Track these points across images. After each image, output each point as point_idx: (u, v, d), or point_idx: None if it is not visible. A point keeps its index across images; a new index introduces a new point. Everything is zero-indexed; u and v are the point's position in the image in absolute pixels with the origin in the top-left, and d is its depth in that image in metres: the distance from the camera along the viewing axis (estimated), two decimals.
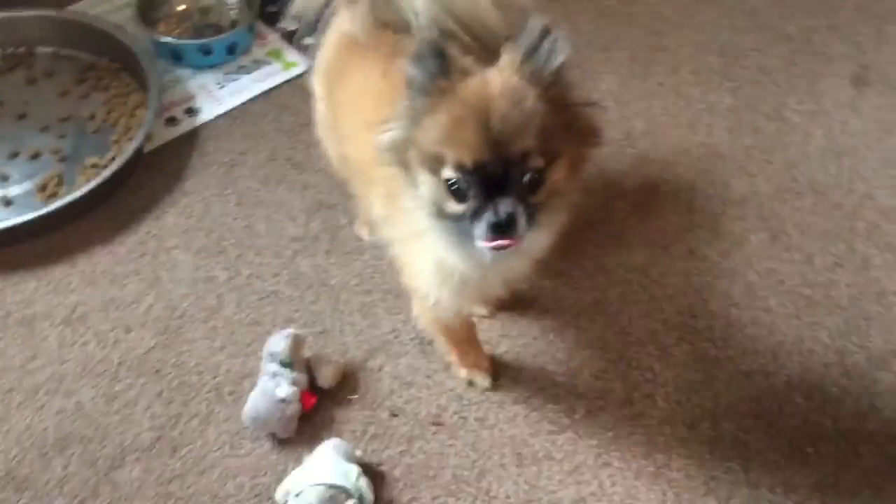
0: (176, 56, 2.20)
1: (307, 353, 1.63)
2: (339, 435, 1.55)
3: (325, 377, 1.61)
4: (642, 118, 2.10)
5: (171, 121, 2.09)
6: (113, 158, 1.95)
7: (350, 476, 1.43)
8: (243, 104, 2.15)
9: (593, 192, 1.91)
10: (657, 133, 2.07)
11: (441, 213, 1.13)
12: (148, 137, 2.02)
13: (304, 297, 1.77)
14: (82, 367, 1.66)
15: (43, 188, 1.91)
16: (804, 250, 1.84)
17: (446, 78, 1.08)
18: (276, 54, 2.26)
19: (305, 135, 2.06)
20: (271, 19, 2.33)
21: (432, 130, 1.08)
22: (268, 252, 1.85)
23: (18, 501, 1.49)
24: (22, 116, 2.09)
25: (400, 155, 1.13)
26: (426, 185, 1.12)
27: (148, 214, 1.91)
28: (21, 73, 2.18)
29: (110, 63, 2.19)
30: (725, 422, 1.58)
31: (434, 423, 1.58)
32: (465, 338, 1.58)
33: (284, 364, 1.57)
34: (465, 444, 1.56)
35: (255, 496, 1.50)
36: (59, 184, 1.93)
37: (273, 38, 2.30)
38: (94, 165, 1.95)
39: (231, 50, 2.21)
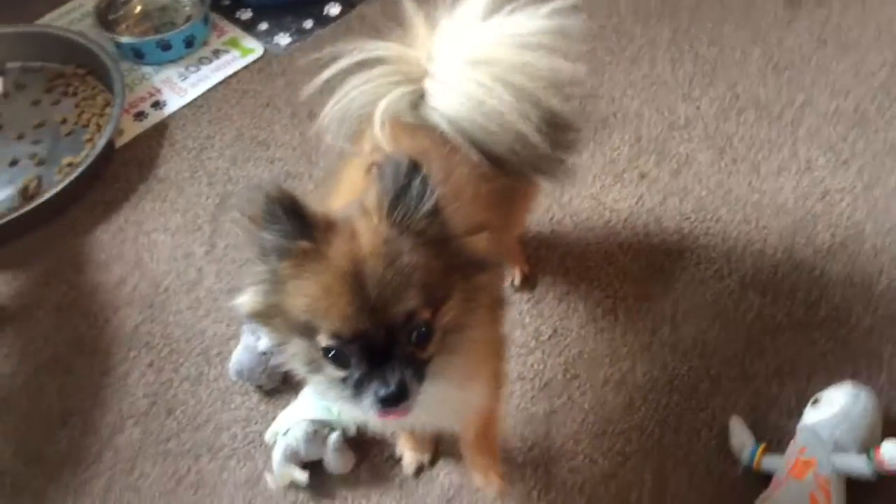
0: (138, 55, 2.30)
1: None
2: None
3: None
4: (586, 60, 2.17)
5: (140, 115, 2.19)
6: (87, 156, 2.04)
7: (333, 410, 1.52)
8: (206, 93, 2.24)
9: None
10: (602, 72, 2.16)
11: (320, 374, 1.00)
12: (119, 133, 2.12)
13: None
14: (76, 346, 1.76)
15: (25, 191, 2.01)
16: (750, 161, 1.92)
17: (307, 238, 0.92)
18: (233, 43, 2.36)
19: (268, 114, 2.17)
20: (227, 10, 2.44)
21: (299, 298, 0.93)
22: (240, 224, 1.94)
23: (30, 473, 1.59)
24: None
25: (264, 320, 0.99)
26: (299, 348, 0.98)
27: (126, 203, 2.01)
28: None
29: (77, 69, 2.28)
30: (685, 325, 1.67)
31: None
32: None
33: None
34: None
35: (249, 443, 1.59)
36: (39, 185, 2.03)
37: (229, 28, 2.40)
38: (70, 164, 2.05)
39: (189, 43, 2.30)
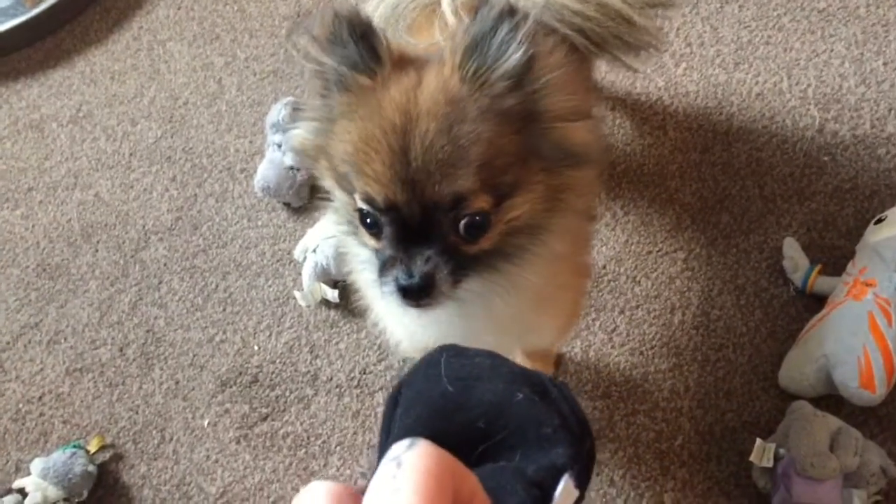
0: None
1: None
2: None
3: None
4: None
5: None
6: None
7: None
8: None
9: None
10: None
11: (356, 237, 0.86)
12: None
13: (304, 73, 1.74)
14: (95, 161, 1.69)
15: None
16: None
17: (369, 72, 0.78)
18: None
19: None
20: None
21: (342, 143, 0.79)
22: (262, 33, 1.81)
23: (55, 287, 1.56)
24: None
25: (311, 161, 0.87)
26: (340, 202, 0.85)
27: (138, 10, 1.88)
28: None
29: None
30: (738, 143, 1.56)
31: None
32: None
33: (288, 133, 1.57)
34: None
35: (277, 261, 1.54)
36: None
37: None
38: None
39: None
